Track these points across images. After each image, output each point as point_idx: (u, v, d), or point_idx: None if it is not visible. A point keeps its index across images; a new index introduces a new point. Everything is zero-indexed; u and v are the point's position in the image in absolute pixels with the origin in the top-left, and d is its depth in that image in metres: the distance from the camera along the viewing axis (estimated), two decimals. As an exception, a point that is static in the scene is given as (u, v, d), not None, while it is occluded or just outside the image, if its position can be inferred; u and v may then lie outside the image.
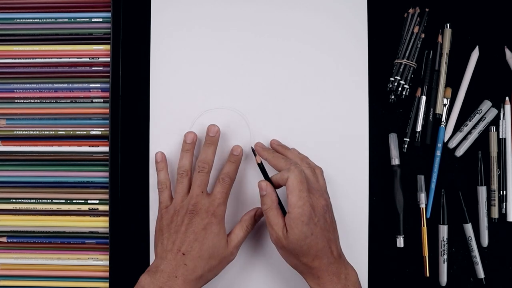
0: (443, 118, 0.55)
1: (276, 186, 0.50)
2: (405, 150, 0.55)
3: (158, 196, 0.54)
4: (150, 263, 0.55)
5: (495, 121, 0.55)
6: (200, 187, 0.51)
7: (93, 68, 0.57)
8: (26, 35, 0.58)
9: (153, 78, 0.56)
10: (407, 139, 0.55)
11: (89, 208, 0.57)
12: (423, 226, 0.54)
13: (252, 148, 0.53)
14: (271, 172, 0.51)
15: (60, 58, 0.58)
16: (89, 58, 0.57)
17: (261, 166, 0.51)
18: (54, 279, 0.57)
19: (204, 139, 0.55)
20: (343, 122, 0.55)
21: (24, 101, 0.58)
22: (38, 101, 0.58)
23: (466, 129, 0.55)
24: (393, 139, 0.55)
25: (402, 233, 0.54)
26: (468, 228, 0.54)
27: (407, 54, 0.54)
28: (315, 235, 0.46)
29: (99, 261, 0.57)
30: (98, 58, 0.57)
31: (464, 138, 0.55)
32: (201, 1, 0.57)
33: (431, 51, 0.55)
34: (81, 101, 0.57)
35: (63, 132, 0.57)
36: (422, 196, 0.54)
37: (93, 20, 0.58)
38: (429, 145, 0.55)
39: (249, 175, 0.56)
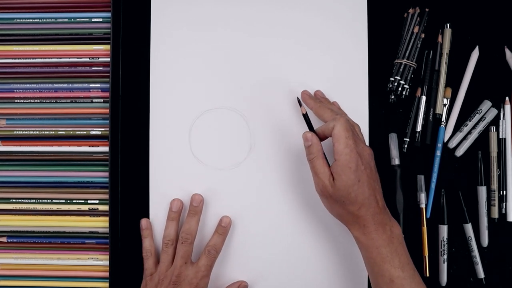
0: (443, 118, 0.55)
1: (321, 137, 0.50)
2: (405, 150, 0.55)
3: (143, 263, 0.54)
4: (150, 263, 0.55)
5: (495, 121, 0.55)
6: (183, 258, 0.52)
7: (93, 68, 0.57)
8: (26, 35, 0.58)
9: (153, 78, 0.56)
10: (407, 139, 0.55)
11: (89, 208, 0.57)
12: (423, 226, 0.54)
13: (298, 98, 0.52)
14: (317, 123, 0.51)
15: (60, 58, 0.58)
16: (89, 58, 0.57)
17: (306, 117, 0.51)
18: (54, 279, 0.57)
19: (202, 140, 0.55)
20: (343, 122, 0.55)
21: (24, 101, 0.58)
22: (38, 101, 0.58)
23: (466, 129, 0.55)
24: (393, 139, 0.55)
25: (402, 233, 0.54)
26: (468, 228, 0.54)
27: (407, 54, 0.54)
28: (362, 182, 0.46)
29: (99, 261, 0.57)
30: (98, 58, 0.57)
31: (464, 138, 0.55)
32: (201, 1, 0.57)
33: (431, 51, 0.55)
34: (81, 101, 0.57)
35: (63, 132, 0.57)
36: (422, 196, 0.54)
37: (93, 20, 0.58)
38: (429, 145, 0.55)
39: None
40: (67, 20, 0.58)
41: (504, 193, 0.54)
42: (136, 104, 0.56)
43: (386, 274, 0.46)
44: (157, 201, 0.56)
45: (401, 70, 0.54)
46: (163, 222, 0.55)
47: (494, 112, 0.54)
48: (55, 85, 0.57)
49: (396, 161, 0.54)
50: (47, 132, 0.57)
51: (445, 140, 0.55)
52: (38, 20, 0.58)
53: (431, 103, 0.55)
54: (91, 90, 0.57)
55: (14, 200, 0.57)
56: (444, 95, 0.55)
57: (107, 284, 0.56)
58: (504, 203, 0.54)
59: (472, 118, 0.54)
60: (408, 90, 0.54)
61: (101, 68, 0.57)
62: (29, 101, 0.58)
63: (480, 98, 0.55)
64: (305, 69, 0.56)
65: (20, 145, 0.57)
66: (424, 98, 0.55)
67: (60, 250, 0.57)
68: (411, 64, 0.54)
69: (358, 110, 0.55)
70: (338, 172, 0.47)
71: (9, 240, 0.58)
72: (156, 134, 0.56)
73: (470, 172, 0.55)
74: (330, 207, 0.49)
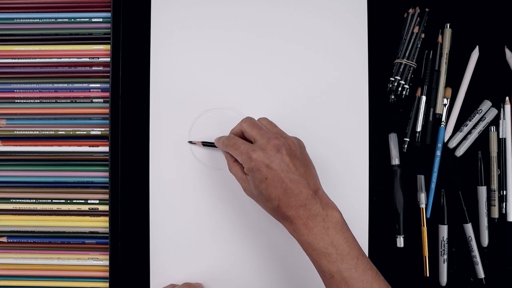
0: (443, 118, 0.55)
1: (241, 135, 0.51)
2: (405, 150, 0.55)
3: None
4: (150, 263, 0.55)
5: (495, 121, 0.55)
6: None
7: (93, 68, 0.57)
8: (26, 35, 0.58)
9: (153, 78, 0.56)
10: (407, 139, 0.55)
11: (89, 208, 0.57)
12: (423, 226, 0.54)
13: (189, 142, 0.55)
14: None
15: (60, 58, 0.58)
16: (89, 58, 0.57)
17: (206, 143, 0.55)
18: (54, 279, 0.57)
19: (202, 140, 0.55)
20: (343, 122, 0.55)
21: (24, 101, 0.58)
22: (38, 101, 0.58)
23: (466, 129, 0.55)
24: (393, 139, 0.55)
25: (402, 233, 0.54)
26: (468, 228, 0.54)
27: (407, 54, 0.54)
28: (271, 179, 0.45)
29: (99, 261, 0.57)
30: (98, 58, 0.57)
31: (464, 138, 0.55)
32: (201, 1, 0.57)
33: (431, 51, 0.55)
34: (81, 101, 0.57)
35: (63, 132, 0.57)
36: (422, 196, 0.54)
37: (93, 20, 0.58)
38: (429, 145, 0.55)
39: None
40: (67, 20, 0.58)
41: (504, 193, 0.54)
42: (136, 104, 0.56)
43: (325, 270, 0.44)
44: (157, 201, 0.56)
45: (401, 70, 0.54)
46: (163, 221, 0.55)
47: (494, 112, 0.54)
48: (55, 85, 0.57)
49: (396, 161, 0.54)
50: (47, 132, 0.57)
51: (445, 140, 0.55)
52: (38, 20, 0.58)
53: (431, 103, 0.55)
54: (91, 90, 0.57)
55: (14, 200, 0.57)
56: (444, 95, 0.55)
57: (107, 284, 0.56)
58: (504, 203, 0.54)
59: (472, 118, 0.54)
60: (408, 90, 0.54)
61: (101, 68, 0.57)
62: (29, 101, 0.58)
63: (480, 98, 0.55)
64: (305, 69, 0.56)
65: (20, 145, 0.57)
66: (424, 98, 0.55)
67: (60, 250, 0.57)
68: (411, 64, 0.54)
69: (358, 110, 0.55)
70: (249, 174, 0.47)
71: (9, 240, 0.58)
72: (156, 134, 0.56)
73: (470, 172, 0.55)
74: (262, 206, 0.48)
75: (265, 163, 0.45)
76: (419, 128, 0.55)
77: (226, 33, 0.56)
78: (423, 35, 0.54)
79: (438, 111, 0.55)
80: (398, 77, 0.54)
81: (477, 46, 0.55)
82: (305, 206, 0.45)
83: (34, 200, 0.57)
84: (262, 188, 0.46)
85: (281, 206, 0.45)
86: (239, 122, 0.51)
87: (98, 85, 0.57)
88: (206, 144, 0.55)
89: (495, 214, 0.54)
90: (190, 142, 0.55)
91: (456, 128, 0.55)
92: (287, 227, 0.46)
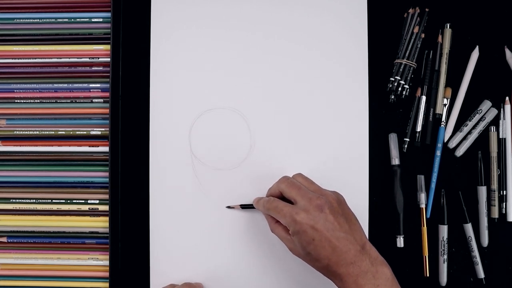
0: (443, 118, 0.55)
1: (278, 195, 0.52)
2: (405, 150, 0.55)
3: None
4: (150, 263, 0.55)
5: (495, 121, 0.55)
6: None
7: (93, 68, 0.57)
8: (26, 35, 0.58)
9: (153, 78, 0.56)
10: (407, 139, 0.55)
11: (89, 208, 0.57)
12: (423, 226, 0.54)
13: (228, 207, 0.55)
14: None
15: (60, 58, 0.58)
16: (89, 58, 0.57)
17: (244, 206, 0.55)
18: (54, 279, 0.57)
19: (202, 140, 0.55)
20: (343, 122, 0.55)
21: (24, 101, 0.58)
22: (38, 101, 0.58)
23: (466, 129, 0.55)
24: (393, 139, 0.55)
25: (402, 233, 0.54)
26: (468, 228, 0.54)
27: (407, 54, 0.54)
28: (318, 240, 0.45)
29: (99, 261, 0.57)
30: (98, 58, 0.57)
31: (464, 138, 0.55)
32: (201, 1, 0.57)
33: (431, 51, 0.55)
34: (81, 101, 0.57)
35: (63, 132, 0.57)
36: (422, 196, 0.54)
37: (93, 20, 0.58)
38: (429, 145, 0.55)
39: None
40: (67, 20, 0.58)
41: (504, 193, 0.54)
42: (136, 104, 0.56)
43: None
44: (157, 201, 0.56)
45: (401, 70, 0.54)
46: (163, 221, 0.55)
47: (494, 112, 0.54)
48: (55, 85, 0.57)
49: (396, 161, 0.54)
50: (47, 132, 0.57)
51: (445, 140, 0.55)
52: (38, 20, 0.58)
53: (431, 103, 0.55)
54: (91, 90, 0.57)
55: (14, 200, 0.57)
56: (444, 95, 0.55)
57: (107, 284, 0.56)
58: (504, 203, 0.54)
59: (472, 118, 0.54)
60: (408, 90, 0.54)
61: (101, 68, 0.57)
62: (29, 101, 0.58)
63: (480, 98, 0.55)
64: (305, 69, 0.56)
65: (20, 145, 0.58)
66: (424, 98, 0.55)
67: (60, 250, 0.57)
68: (411, 64, 0.54)
69: (358, 110, 0.55)
70: (295, 236, 0.47)
71: (9, 240, 0.58)
72: (156, 134, 0.56)
73: (470, 172, 0.55)
74: (309, 264, 0.48)
75: (310, 225, 0.46)
76: (419, 128, 0.55)
77: (226, 33, 0.56)
78: (423, 35, 0.54)
79: (438, 111, 0.55)
80: (398, 77, 0.54)
81: (477, 46, 0.55)
82: (354, 263, 0.45)
83: (34, 200, 0.57)
84: (310, 249, 0.46)
85: (331, 264, 0.45)
86: (276, 182, 0.51)
87: (98, 85, 0.57)
88: (244, 206, 0.55)
89: (495, 214, 0.54)
90: (228, 207, 0.55)
91: (456, 128, 0.55)
92: (336, 283, 0.47)
